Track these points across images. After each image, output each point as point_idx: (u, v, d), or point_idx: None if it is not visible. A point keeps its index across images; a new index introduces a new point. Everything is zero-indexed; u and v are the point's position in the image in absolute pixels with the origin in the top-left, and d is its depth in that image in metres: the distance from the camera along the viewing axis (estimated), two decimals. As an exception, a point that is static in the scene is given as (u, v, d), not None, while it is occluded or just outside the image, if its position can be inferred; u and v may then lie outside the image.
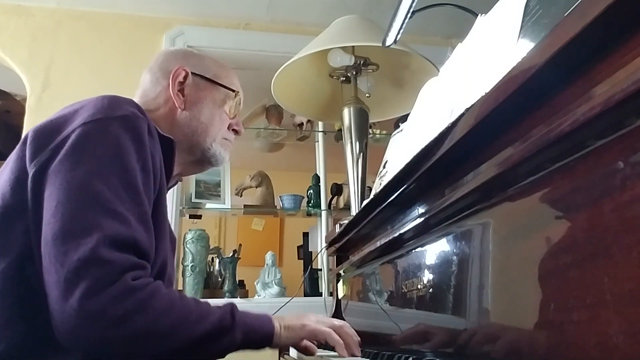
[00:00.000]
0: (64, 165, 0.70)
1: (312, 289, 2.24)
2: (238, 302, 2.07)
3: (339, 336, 0.85)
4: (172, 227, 2.06)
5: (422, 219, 0.76)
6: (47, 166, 0.71)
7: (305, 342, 0.85)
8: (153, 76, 1.00)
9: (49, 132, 0.74)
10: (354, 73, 1.62)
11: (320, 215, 2.36)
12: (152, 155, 0.77)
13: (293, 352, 1.05)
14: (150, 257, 0.74)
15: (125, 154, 0.73)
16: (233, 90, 1.03)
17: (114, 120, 0.75)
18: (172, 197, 2.08)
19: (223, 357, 0.77)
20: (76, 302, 0.62)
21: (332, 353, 0.91)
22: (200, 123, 0.97)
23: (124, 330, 0.65)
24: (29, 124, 2.12)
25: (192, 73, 0.98)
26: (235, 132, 1.05)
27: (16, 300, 0.70)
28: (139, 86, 1.02)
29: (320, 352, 0.88)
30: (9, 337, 0.69)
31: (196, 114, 0.97)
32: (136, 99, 0.99)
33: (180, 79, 0.97)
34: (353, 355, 0.85)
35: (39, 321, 0.68)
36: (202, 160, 1.01)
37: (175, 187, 2.10)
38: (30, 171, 0.71)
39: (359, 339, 0.88)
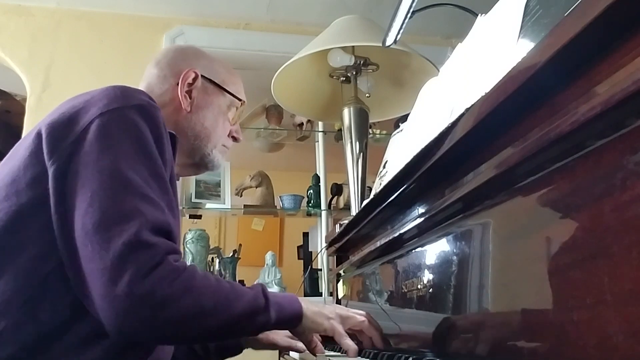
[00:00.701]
0: (91, 156, 0.69)
1: (312, 289, 2.25)
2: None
3: (364, 332, 0.87)
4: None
5: (422, 219, 0.76)
6: (71, 160, 0.70)
7: (316, 339, 0.85)
8: (161, 72, 0.99)
9: (64, 125, 0.73)
10: (354, 73, 1.62)
11: (320, 215, 2.36)
12: (167, 145, 0.77)
13: (293, 352, 1.05)
14: (178, 243, 0.75)
15: (147, 143, 0.73)
16: (239, 99, 1.03)
17: (131, 109, 0.74)
18: (172, 197, 2.08)
19: (255, 334, 0.79)
20: (126, 285, 0.63)
21: (335, 353, 0.91)
22: (203, 128, 0.97)
23: (173, 311, 0.66)
24: (29, 124, 2.12)
25: (201, 76, 0.98)
26: (234, 139, 1.05)
27: (27, 302, 0.68)
28: (142, 78, 1.00)
29: (326, 352, 0.88)
30: (17, 340, 0.67)
31: (201, 118, 0.97)
32: None
33: (190, 80, 0.96)
34: (374, 346, 0.86)
35: (49, 324, 0.68)
36: (200, 164, 1.01)
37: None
38: (51, 167, 0.70)
39: (380, 328, 0.88)
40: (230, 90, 1.01)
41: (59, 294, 0.68)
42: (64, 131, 0.72)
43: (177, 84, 0.96)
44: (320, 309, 0.84)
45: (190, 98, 0.96)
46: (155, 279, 0.65)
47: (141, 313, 0.64)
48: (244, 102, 1.05)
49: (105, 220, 0.66)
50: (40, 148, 0.72)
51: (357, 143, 1.55)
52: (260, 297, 0.76)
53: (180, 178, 2.12)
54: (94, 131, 0.71)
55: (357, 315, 0.88)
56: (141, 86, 0.99)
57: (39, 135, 0.74)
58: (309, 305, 0.83)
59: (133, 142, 0.72)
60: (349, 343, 0.82)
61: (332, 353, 0.91)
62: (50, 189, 0.70)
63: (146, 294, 0.64)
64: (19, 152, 0.76)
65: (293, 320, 0.80)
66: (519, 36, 0.66)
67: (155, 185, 0.72)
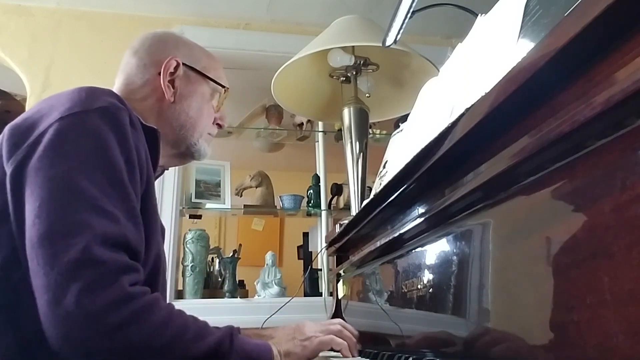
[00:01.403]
0: (44, 162, 0.66)
1: (312, 289, 2.24)
2: (238, 302, 2.07)
3: (342, 337, 0.86)
4: (172, 227, 2.07)
5: (422, 219, 0.76)
6: (25, 164, 0.67)
7: None
8: (140, 61, 0.95)
9: (25, 128, 0.71)
10: (354, 73, 1.62)
11: (320, 215, 2.36)
12: (136, 147, 0.74)
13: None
14: (140, 255, 0.71)
15: (108, 148, 0.69)
16: (222, 86, 1.01)
17: (93, 112, 0.71)
18: (172, 197, 2.08)
19: None
20: (71, 304, 0.59)
21: (336, 353, 0.91)
22: (188, 118, 0.95)
23: (117, 340, 0.62)
24: (29, 124, 2.11)
25: (183, 64, 0.95)
26: (219, 126, 1.03)
27: (3, 309, 0.67)
28: (120, 69, 0.97)
29: (321, 354, 0.88)
30: (2, 345, 0.67)
31: (185, 108, 0.94)
32: (118, 83, 0.95)
33: (172, 69, 0.93)
34: (352, 355, 0.86)
35: (28, 329, 0.66)
36: (186, 154, 0.99)
37: (175, 187, 2.11)
38: (8, 170, 0.68)
39: (357, 333, 0.89)
40: (212, 77, 0.99)
41: (34, 300, 0.65)
42: (23, 135, 0.70)
43: (159, 74, 0.93)
44: (293, 341, 0.81)
45: (173, 88, 0.93)
46: (103, 302, 0.61)
47: (83, 337, 0.60)
48: (228, 88, 1.02)
49: (50, 234, 0.62)
50: (1, 152, 0.70)
51: (357, 143, 1.55)
52: (225, 343, 0.72)
53: (180, 179, 2.14)
54: (50, 136, 0.68)
55: (331, 324, 0.88)
56: (119, 77, 0.96)
57: (2, 137, 0.72)
58: (282, 345, 0.80)
59: (91, 148, 0.68)
60: (339, 342, 0.83)
61: (332, 353, 0.91)
62: (8, 194, 0.68)
63: (91, 317, 0.60)
64: None
65: None
66: (519, 36, 0.66)
67: (114, 193, 0.68)
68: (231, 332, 0.74)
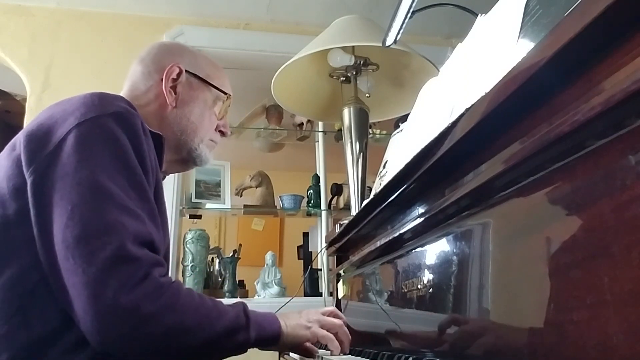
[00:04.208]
0: (69, 167, 0.69)
1: (312, 289, 2.24)
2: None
3: (338, 335, 0.87)
4: (172, 227, 2.07)
5: (422, 219, 0.76)
6: (50, 171, 0.69)
7: (307, 344, 0.86)
8: (145, 69, 0.98)
9: (42, 134, 0.72)
10: (354, 73, 1.62)
11: (320, 215, 2.36)
12: (147, 152, 0.77)
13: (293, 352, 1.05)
14: (161, 253, 0.75)
15: (125, 152, 0.72)
16: (225, 93, 1.02)
17: (109, 117, 0.73)
18: (172, 197, 2.08)
19: (234, 355, 0.78)
20: (110, 299, 0.63)
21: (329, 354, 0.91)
22: (190, 122, 0.96)
23: (156, 327, 0.66)
24: (29, 124, 2.11)
25: (186, 71, 0.97)
26: (222, 133, 1.05)
27: (18, 311, 0.69)
28: (127, 77, 1.00)
29: (320, 352, 0.88)
30: (11, 348, 0.68)
31: (187, 113, 0.96)
32: (124, 90, 0.97)
33: (174, 75, 0.95)
34: (344, 353, 0.88)
35: (41, 331, 0.68)
36: (187, 159, 1.00)
37: (175, 187, 2.11)
38: (29, 178, 0.70)
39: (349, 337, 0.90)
40: (215, 84, 1.01)
41: (48, 302, 0.68)
42: (41, 142, 0.72)
43: (162, 80, 0.95)
44: (298, 321, 0.85)
45: (175, 93, 0.95)
46: (140, 295, 0.65)
47: (123, 328, 0.64)
48: (230, 95, 1.04)
49: (86, 234, 0.65)
50: (20, 158, 0.72)
51: (357, 143, 1.55)
52: (242, 316, 0.76)
53: (180, 179, 2.14)
54: (72, 142, 0.70)
55: (334, 322, 0.89)
56: (126, 85, 0.98)
57: (19, 144, 0.73)
58: (288, 320, 0.84)
59: (111, 152, 0.71)
60: (336, 345, 0.85)
61: (329, 353, 0.91)
62: (29, 200, 0.69)
63: (130, 309, 0.64)
64: (2, 160, 0.75)
65: (272, 340, 0.81)
66: (519, 36, 0.66)
67: (135, 195, 0.71)
68: (244, 307, 0.79)
